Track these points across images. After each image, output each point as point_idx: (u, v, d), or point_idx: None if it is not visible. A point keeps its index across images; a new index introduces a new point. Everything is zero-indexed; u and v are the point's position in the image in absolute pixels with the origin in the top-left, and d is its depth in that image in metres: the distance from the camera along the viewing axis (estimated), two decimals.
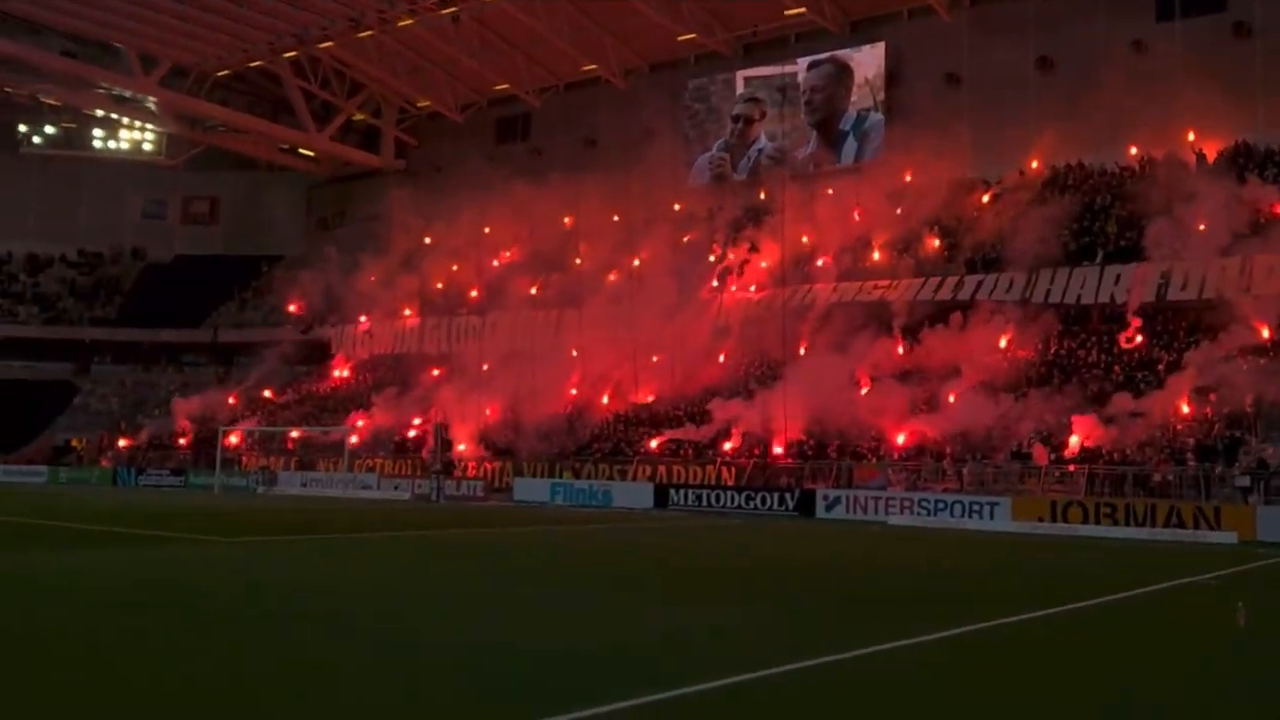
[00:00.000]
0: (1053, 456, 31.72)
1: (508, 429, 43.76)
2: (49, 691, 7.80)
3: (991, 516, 29.79)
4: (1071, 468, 31.28)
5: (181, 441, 52.79)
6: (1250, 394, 30.78)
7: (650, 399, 42.98)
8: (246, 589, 13.98)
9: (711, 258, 46.44)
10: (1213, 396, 30.77)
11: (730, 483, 36.34)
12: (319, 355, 57.25)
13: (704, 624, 11.64)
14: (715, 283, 45.38)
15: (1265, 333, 32.54)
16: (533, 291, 50.10)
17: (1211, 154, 38.42)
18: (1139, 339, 35.18)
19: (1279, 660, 10.58)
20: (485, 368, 47.07)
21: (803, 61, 49.54)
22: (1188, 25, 39.58)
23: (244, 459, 49.36)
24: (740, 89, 51.48)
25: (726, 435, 38.41)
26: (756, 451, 37.55)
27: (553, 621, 11.72)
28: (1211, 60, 36.84)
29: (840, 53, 48.73)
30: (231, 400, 54.30)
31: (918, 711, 7.94)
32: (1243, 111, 38.26)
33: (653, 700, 7.76)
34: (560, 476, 39.25)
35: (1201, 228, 34.92)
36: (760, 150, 50.26)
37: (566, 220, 51.73)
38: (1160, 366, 33.54)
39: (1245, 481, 28.28)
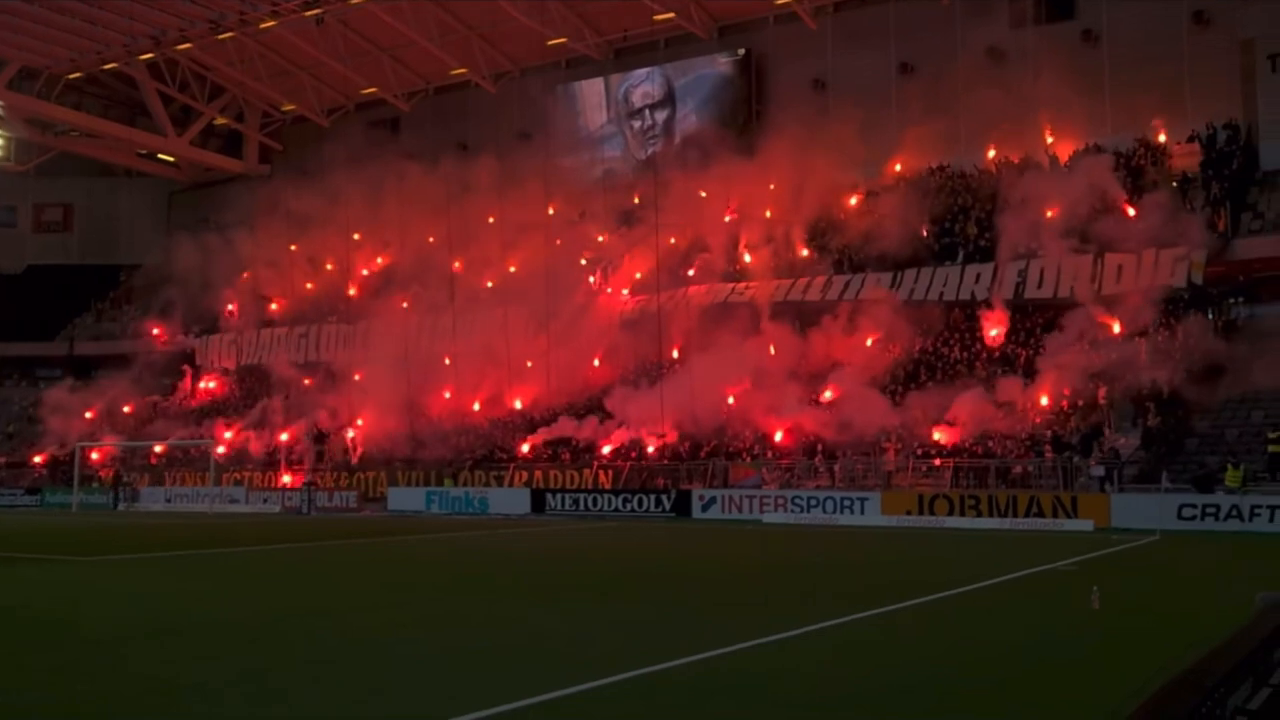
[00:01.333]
0: (919, 451, 32.55)
1: (381, 438, 43.05)
2: None
3: (862, 511, 30.45)
4: (937, 462, 32.14)
5: (36, 460, 50.56)
6: (1103, 387, 32.05)
7: (522, 405, 42.80)
8: (85, 610, 13.45)
9: (584, 261, 46.39)
10: (1102, 390, 31.82)
11: (607, 486, 36.38)
12: (182, 367, 55.38)
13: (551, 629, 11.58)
14: (592, 279, 45.33)
15: (1116, 328, 33.87)
16: (404, 300, 49.39)
17: (1064, 156, 39.84)
18: (998, 335, 36.26)
19: (1129, 637, 11.00)
20: (357, 377, 46.20)
21: (675, 69, 49.95)
22: (1040, 32, 40.98)
23: (103, 474, 47.52)
24: (611, 93, 51.61)
25: (605, 436, 38.45)
26: (633, 454, 37.67)
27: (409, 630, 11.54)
28: (1063, 66, 38.18)
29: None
30: (89, 415, 52.21)
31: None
32: (1093, 115, 39.82)
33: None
34: (440, 485, 38.74)
35: (1053, 226, 36.23)
36: (650, 139, 50.38)
37: (437, 226, 51.10)
38: (1019, 362, 34.63)
39: (1100, 471, 29.42)
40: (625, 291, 44.81)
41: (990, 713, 7.93)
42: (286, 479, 42.92)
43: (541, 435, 40.12)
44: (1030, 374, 33.41)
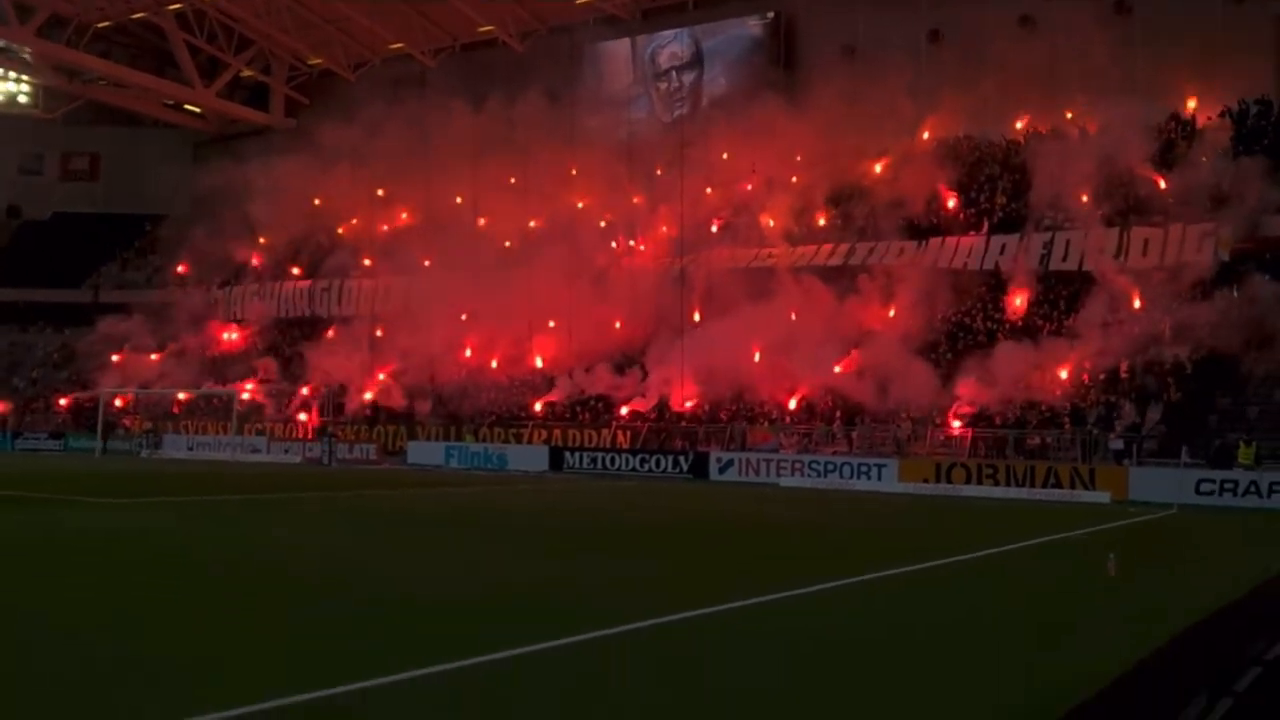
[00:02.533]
0: (937, 420, 32.63)
1: (401, 393, 43.36)
2: None
3: (879, 478, 30.56)
4: (956, 431, 32.18)
5: (61, 403, 51.07)
6: (1125, 361, 32.00)
7: (543, 364, 42.93)
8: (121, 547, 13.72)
9: (602, 224, 46.31)
10: (1124, 364, 31.78)
11: (625, 445, 36.58)
12: (207, 317, 55.67)
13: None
14: (614, 243, 45.31)
15: (1137, 303, 33.75)
16: (426, 258, 49.53)
17: (1094, 128, 39.47)
18: (1021, 306, 36.13)
19: (1143, 600, 11.11)
20: (379, 334, 46.41)
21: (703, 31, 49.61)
22: (1073, 2, 40.45)
23: (127, 422, 47.97)
24: (638, 54, 51.36)
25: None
26: (652, 415, 37.83)
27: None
28: (1095, 37, 37.69)
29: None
30: (115, 358, 52.62)
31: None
32: (1124, 87, 39.36)
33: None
34: (461, 439, 39.04)
35: (1084, 199, 36.04)
36: (676, 101, 50.18)
37: (463, 184, 51.12)
38: (1042, 334, 34.51)
39: (1119, 445, 29.43)
40: (641, 247, 44.67)
41: (1010, 661, 8.05)
42: (303, 416, 43.51)
43: (564, 391, 40.27)
44: (1051, 346, 33.28)
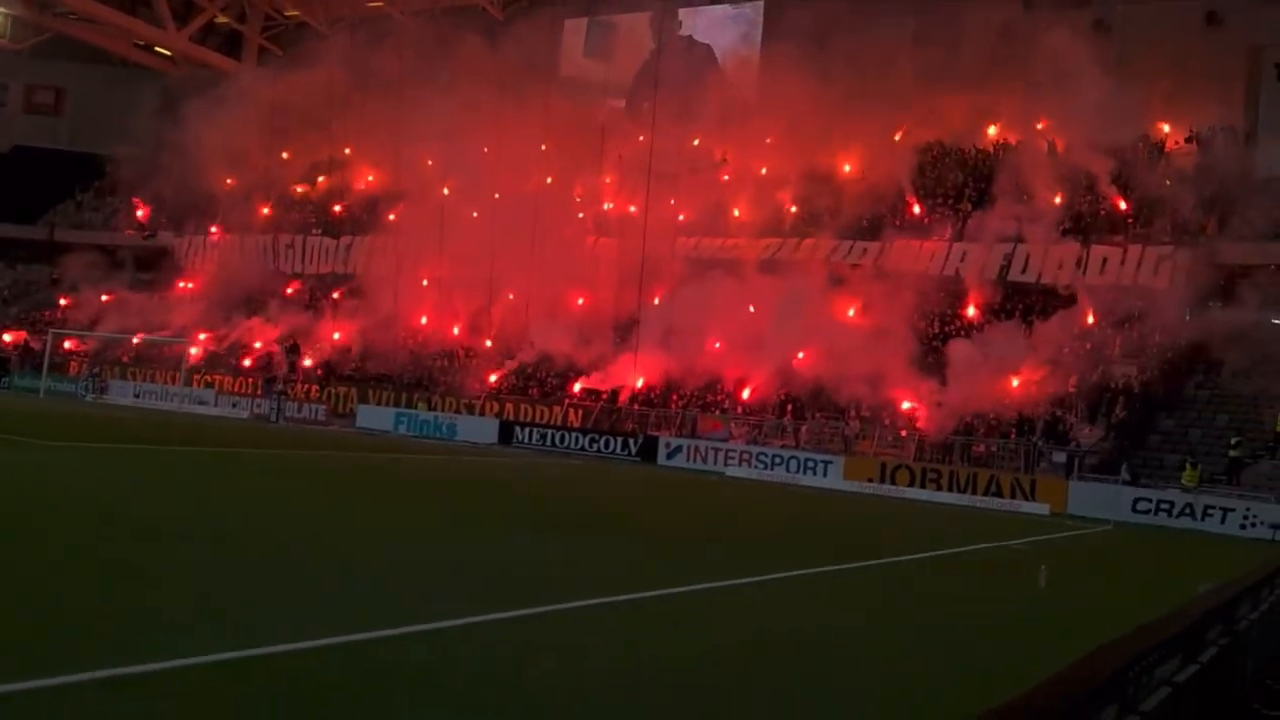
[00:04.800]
0: (886, 420, 32.88)
1: (356, 355, 43.09)
2: None
3: (825, 474, 30.79)
4: (904, 432, 32.46)
5: (6, 339, 50.22)
6: (1074, 376, 32.39)
7: (492, 344, 42.73)
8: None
9: (576, 199, 46.13)
10: (1072, 378, 32.15)
11: (576, 424, 36.58)
12: (163, 263, 54.90)
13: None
14: (581, 215, 45.11)
15: (1090, 318, 34.15)
16: (391, 217, 49.16)
17: (1063, 143, 39.78)
18: (976, 314, 36.41)
19: (1065, 615, 11.27)
20: (335, 295, 46.00)
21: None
22: (1053, 18, 40.64)
23: (74, 365, 47.30)
24: (619, 32, 51.10)
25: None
26: (605, 395, 37.83)
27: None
28: (1072, 53, 37.90)
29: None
30: (63, 302, 51.87)
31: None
32: (1096, 105, 39.60)
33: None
34: (414, 406, 38.86)
35: (1044, 212, 36.39)
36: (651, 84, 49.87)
37: (433, 150, 50.71)
38: (995, 344, 34.76)
39: (1062, 458, 29.82)
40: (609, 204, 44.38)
41: (929, 672, 8.13)
42: (247, 362, 43.22)
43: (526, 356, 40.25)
44: (1005, 354, 33.56)
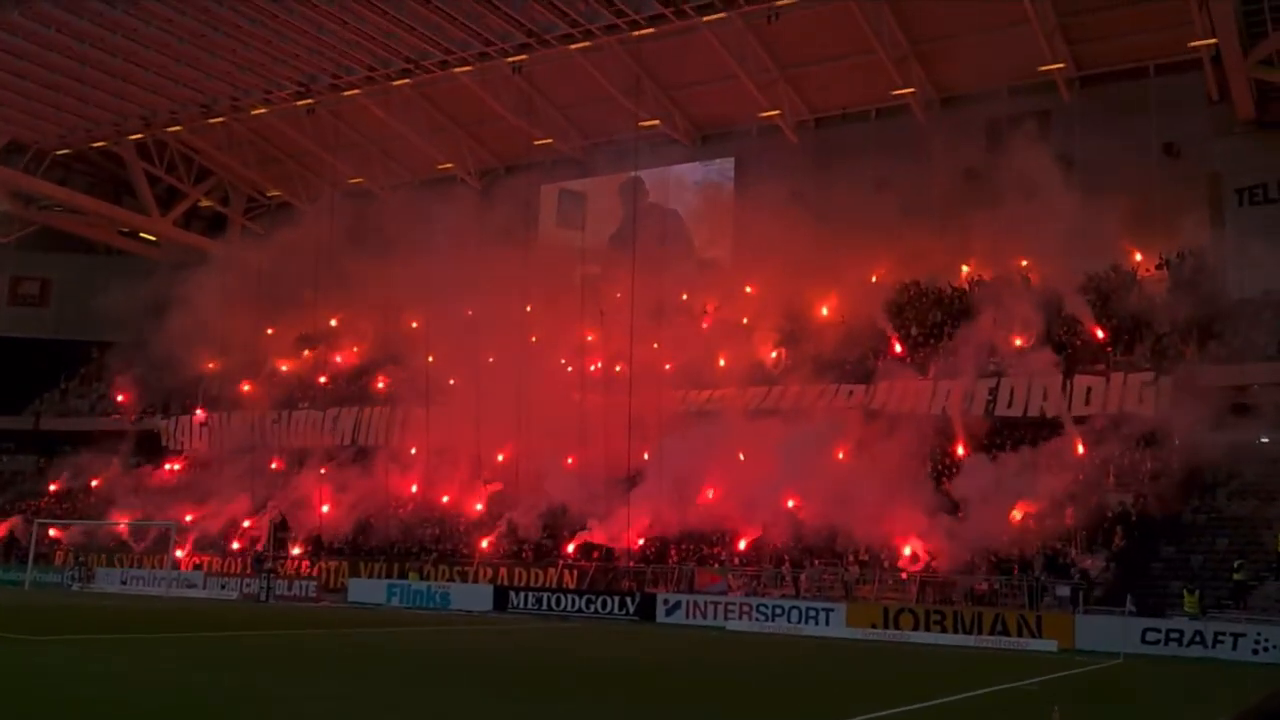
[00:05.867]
0: (886, 563, 32.48)
1: (345, 528, 42.65)
2: None
3: (827, 622, 30.22)
4: (904, 575, 32.03)
5: None
6: (1070, 507, 32.16)
7: (482, 507, 42.32)
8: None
9: (562, 362, 46.29)
10: (1069, 510, 31.92)
11: (572, 585, 36.03)
12: (150, 448, 54.68)
13: None
14: (569, 367, 45.16)
15: (1080, 449, 34.12)
16: (380, 386, 49.28)
17: (1036, 277, 40.37)
18: (965, 451, 36.33)
19: None
20: (323, 471, 45.78)
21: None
22: (1014, 157, 41.67)
23: (59, 555, 46.60)
24: (598, 195, 52.26)
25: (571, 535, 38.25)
26: (597, 555, 37.38)
27: None
28: (1036, 188, 38.74)
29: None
30: (53, 488, 51.48)
31: None
32: (1066, 237, 40.27)
33: None
34: (405, 578, 38.27)
35: (1024, 346, 36.70)
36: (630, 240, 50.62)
37: (415, 317, 51.25)
38: (984, 479, 34.60)
39: (1066, 592, 29.39)
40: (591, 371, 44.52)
41: None
42: (235, 545, 42.64)
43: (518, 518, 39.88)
44: (997, 491, 33.35)
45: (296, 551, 42.73)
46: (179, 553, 43.19)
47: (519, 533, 39.89)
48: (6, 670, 15.30)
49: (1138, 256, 39.86)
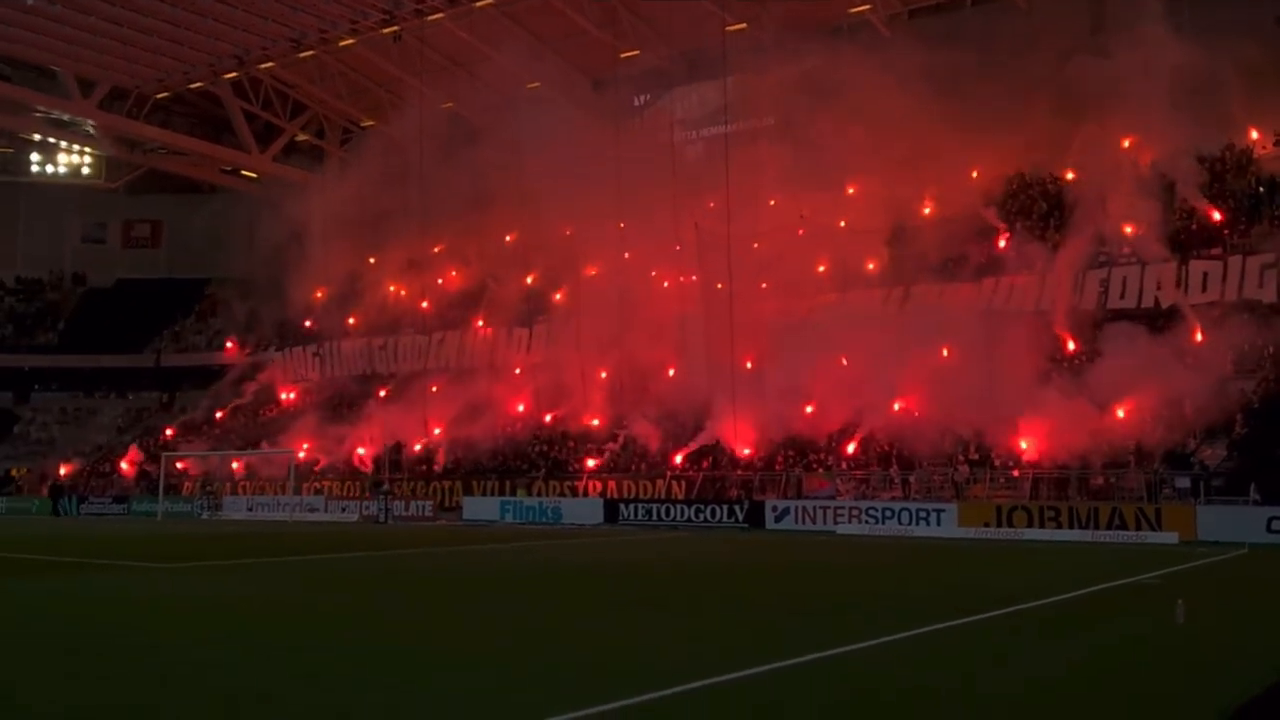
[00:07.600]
0: (996, 463, 32.02)
1: (456, 448, 43.54)
2: None
3: (939, 523, 30.01)
4: (1015, 472, 31.56)
5: (124, 467, 51.87)
6: (1189, 399, 31.21)
7: (600, 423, 42.67)
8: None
9: (654, 273, 46.18)
10: (1188, 400, 31.04)
11: (680, 496, 36.31)
12: (266, 378, 56.40)
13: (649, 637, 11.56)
14: (665, 284, 45.07)
15: (1198, 337, 33.02)
16: (478, 317, 49.92)
17: (1146, 160, 38.79)
18: (1078, 345, 35.44)
19: (1216, 652, 10.68)
20: (434, 389, 46.64)
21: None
22: (1120, 36, 39.87)
23: (187, 485, 48.57)
24: (687, 102, 51.60)
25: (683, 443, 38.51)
26: (705, 464, 37.57)
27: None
28: (1148, 68, 37.04)
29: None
30: (171, 428, 53.52)
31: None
32: (1178, 118, 38.59)
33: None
34: (515, 495, 39.06)
35: (1136, 234, 35.44)
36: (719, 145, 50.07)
37: (511, 237, 51.56)
38: (1100, 373, 33.76)
39: (1186, 483, 28.68)
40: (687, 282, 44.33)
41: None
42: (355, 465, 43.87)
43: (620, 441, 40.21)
44: (1112, 385, 32.53)
45: (411, 472, 43.77)
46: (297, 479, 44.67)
47: (635, 445, 40.19)
48: (180, 595, 16.00)
49: (1254, 134, 38.00)
